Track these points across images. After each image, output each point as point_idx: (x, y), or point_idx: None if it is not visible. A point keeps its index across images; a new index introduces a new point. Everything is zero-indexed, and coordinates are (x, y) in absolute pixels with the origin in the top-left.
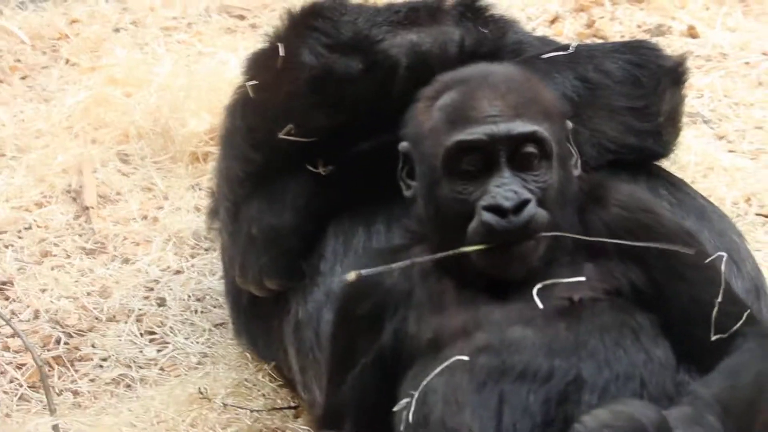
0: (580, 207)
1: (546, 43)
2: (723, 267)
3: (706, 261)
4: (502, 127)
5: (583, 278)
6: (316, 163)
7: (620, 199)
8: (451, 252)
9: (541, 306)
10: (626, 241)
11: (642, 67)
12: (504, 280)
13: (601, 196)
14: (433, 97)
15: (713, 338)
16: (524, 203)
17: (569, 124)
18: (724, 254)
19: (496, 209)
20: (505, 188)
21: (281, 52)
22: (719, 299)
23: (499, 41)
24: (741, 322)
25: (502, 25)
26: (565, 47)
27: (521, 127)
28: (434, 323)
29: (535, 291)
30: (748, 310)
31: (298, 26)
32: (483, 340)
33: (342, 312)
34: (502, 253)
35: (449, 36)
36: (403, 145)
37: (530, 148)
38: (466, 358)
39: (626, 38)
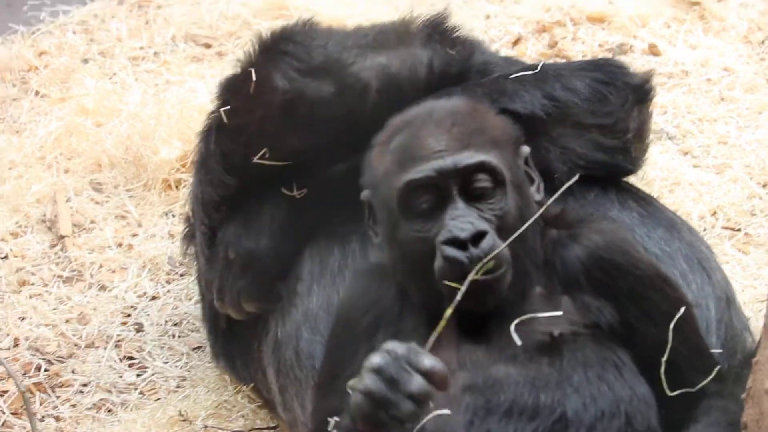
0: (559, 242)
1: (512, 63)
2: (672, 324)
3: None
4: (449, 161)
5: (559, 312)
6: (291, 186)
7: (598, 238)
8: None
9: (519, 342)
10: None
11: (609, 85)
12: (477, 314)
13: (580, 233)
14: (385, 141)
15: (672, 393)
16: (481, 234)
17: (525, 149)
18: (683, 307)
19: (453, 242)
20: (461, 220)
21: (253, 77)
22: (665, 357)
23: (466, 62)
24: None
25: (469, 46)
26: (533, 66)
27: (468, 158)
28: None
29: (512, 327)
30: (717, 368)
31: (269, 51)
32: (467, 379)
33: (342, 320)
34: (472, 288)
35: (418, 58)
36: (364, 193)
37: (481, 178)
38: (448, 412)
39: (588, 58)
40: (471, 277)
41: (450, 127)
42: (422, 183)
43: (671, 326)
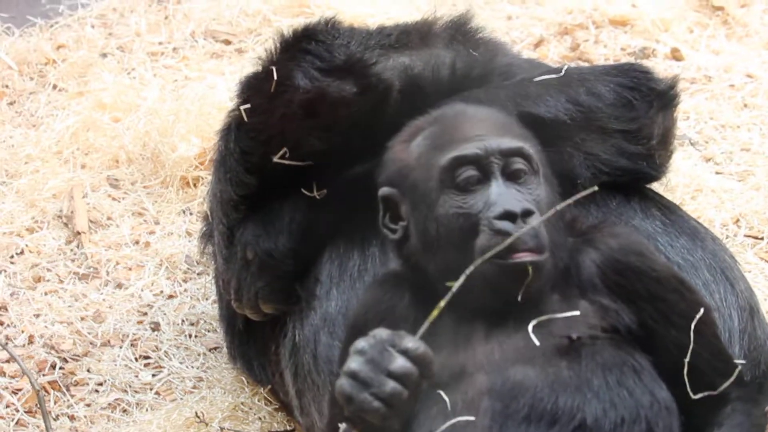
0: (574, 248)
1: (535, 65)
2: (692, 325)
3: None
4: (492, 142)
5: (577, 312)
6: (311, 186)
7: (613, 242)
8: (477, 262)
9: (537, 343)
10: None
11: (634, 90)
12: (508, 298)
13: (595, 238)
14: (408, 139)
15: (696, 396)
16: (529, 212)
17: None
18: (702, 308)
19: (505, 215)
20: (508, 197)
21: (275, 75)
22: (687, 359)
23: (489, 64)
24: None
25: (492, 48)
26: (557, 70)
27: (509, 142)
28: (435, 361)
29: (530, 327)
30: (738, 368)
31: (291, 50)
32: (485, 382)
33: (357, 330)
34: (516, 264)
35: (440, 59)
36: (383, 190)
37: (519, 163)
38: (472, 418)
39: (611, 61)
40: (509, 241)
41: (483, 119)
42: (468, 160)
43: (692, 327)
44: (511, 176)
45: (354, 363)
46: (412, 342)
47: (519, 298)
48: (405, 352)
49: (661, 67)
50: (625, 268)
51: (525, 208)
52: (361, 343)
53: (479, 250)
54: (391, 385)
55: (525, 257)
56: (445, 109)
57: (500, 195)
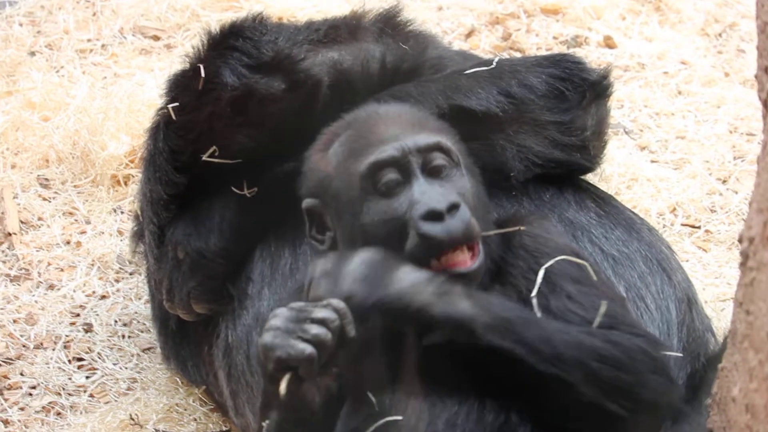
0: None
1: (466, 57)
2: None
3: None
4: (409, 141)
5: None
6: (241, 184)
7: (527, 233)
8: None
9: None
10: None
11: (566, 81)
12: None
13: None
14: (324, 147)
15: None
16: (455, 206)
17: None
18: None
19: (430, 215)
20: (431, 193)
21: (202, 73)
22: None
23: (419, 57)
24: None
25: (422, 40)
26: (488, 62)
27: (426, 138)
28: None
29: None
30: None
31: (218, 47)
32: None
33: None
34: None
35: (370, 53)
36: (307, 201)
37: (439, 158)
38: (399, 417)
39: (543, 50)
40: None
41: (397, 118)
42: (387, 163)
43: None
44: (432, 172)
45: (275, 320)
46: (333, 300)
47: None
48: (325, 306)
49: (594, 55)
50: (535, 253)
51: (450, 202)
52: (278, 309)
53: (409, 254)
54: (315, 328)
55: (459, 266)
56: (358, 112)
57: (423, 193)
